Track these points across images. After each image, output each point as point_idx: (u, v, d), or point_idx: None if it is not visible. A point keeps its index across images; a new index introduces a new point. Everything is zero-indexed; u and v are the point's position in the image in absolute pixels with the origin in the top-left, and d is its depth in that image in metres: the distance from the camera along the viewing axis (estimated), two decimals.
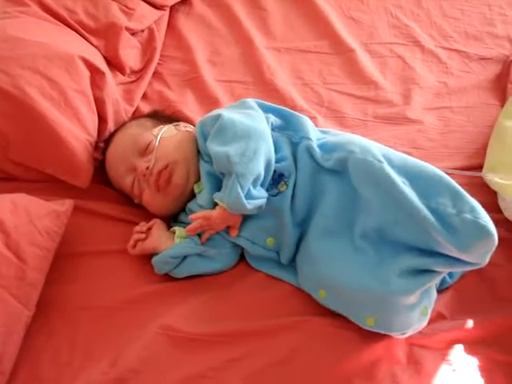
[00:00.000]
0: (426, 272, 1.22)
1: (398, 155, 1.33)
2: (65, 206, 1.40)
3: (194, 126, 1.58)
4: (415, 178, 1.25)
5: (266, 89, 1.86)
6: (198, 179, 1.45)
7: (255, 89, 1.87)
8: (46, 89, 1.49)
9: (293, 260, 1.40)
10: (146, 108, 1.77)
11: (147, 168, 1.42)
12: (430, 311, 1.28)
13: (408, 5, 2.18)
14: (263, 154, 1.32)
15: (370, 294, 1.21)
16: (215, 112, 1.44)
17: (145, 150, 1.45)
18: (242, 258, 1.45)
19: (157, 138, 1.45)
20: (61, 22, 1.76)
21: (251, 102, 1.47)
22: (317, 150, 1.37)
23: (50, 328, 1.31)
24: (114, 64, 1.79)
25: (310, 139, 1.39)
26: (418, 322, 1.26)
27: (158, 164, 1.42)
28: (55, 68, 1.53)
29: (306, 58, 1.99)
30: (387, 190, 1.24)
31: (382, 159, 1.27)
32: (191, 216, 1.36)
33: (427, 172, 1.27)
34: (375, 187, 1.26)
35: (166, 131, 1.48)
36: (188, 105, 1.79)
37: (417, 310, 1.24)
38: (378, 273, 1.22)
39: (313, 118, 1.68)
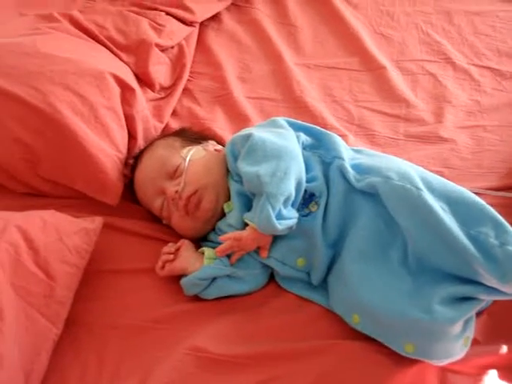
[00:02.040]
0: (468, 300, 1.20)
1: (438, 178, 1.31)
2: (94, 223, 1.39)
3: (223, 144, 1.59)
4: (456, 203, 1.24)
5: (296, 106, 1.85)
6: (228, 198, 1.44)
7: (285, 106, 1.86)
8: (76, 105, 1.49)
9: (324, 281, 1.37)
10: (175, 124, 1.76)
11: (176, 192, 1.40)
12: (470, 341, 1.25)
13: (439, 21, 2.16)
14: (294, 173, 1.31)
15: (411, 322, 1.19)
16: (245, 131, 1.43)
17: (174, 173, 1.44)
18: (271, 278, 1.43)
19: (185, 160, 1.44)
20: (91, 37, 1.77)
21: (281, 120, 1.46)
22: (350, 170, 1.35)
23: (77, 346, 1.30)
24: (144, 80, 1.78)
25: (342, 159, 1.38)
26: (460, 352, 1.24)
27: (187, 188, 1.40)
28: (86, 84, 1.53)
29: (335, 74, 1.97)
30: (425, 220, 1.22)
31: (420, 186, 1.25)
32: (221, 237, 1.35)
33: (468, 198, 1.26)
34: (412, 215, 1.24)
35: (194, 153, 1.47)
36: (217, 122, 1.78)
37: (460, 340, 1.22)
38: (419, 300, 1.20)
39: (343, 136, 1.67)
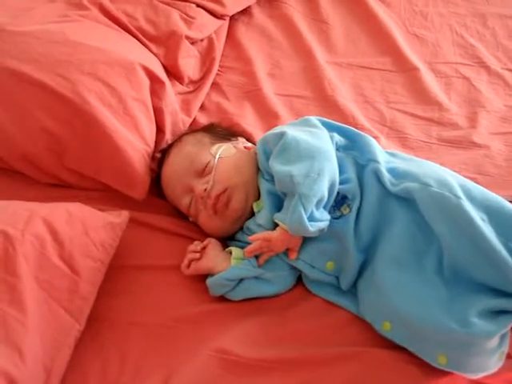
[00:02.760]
0: (505, 313, 1.17)
1: (476, 186, 1.29)
2: (120, 217, 1.37)
3: (252, 141, 1.57)
4: (494, 213, 1.22)
5: (327, 105, 1.82)
6: (258, 197, 1.41)
7: (315, 104, 1.83)
8: (105, 96, 1.47)
9: (353, 286, 1.35)
10: (203, 119, 1.74)
11: (205, 190, 1.38)
12: (505, 356, 1.22)
13: (473, 24, 2.13)
14: (327, 174, 1.28)
15: (446, 333, 1.16)
16: (278, 129, 1.40)
17: (202, 171, 1.41)
18: (299, 280, 1.41)
19: (215, 158, 1.41)
20: (121, 27, 1.75)
21: (315, 119, 1.43)
22: (385, 173, 1.32)
23: (99, 342, 1.28)
24: (173, 73, 1.76)
25: (377, 162, 1.35)
26: (494, 366, 1.20)
27: (216, 187, 1.38)
28: (115, 75, 1.51)
29: (368, 74, 1.95)
30: (464, 229, 1.20)
31: (459, 194, 1.22)
32: (250, 237, 1.32)
33: (507, 208, 1.23)
34: (450, 224, 1.22)
35: (224, 150, 1.44)
36: (246, 118, 1.76)
37: (495, 355, 1.19)
38: (454, 311, 1.17)
39: (375, 138, 1.58)
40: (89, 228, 1.30)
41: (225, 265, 1.35)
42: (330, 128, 1.42)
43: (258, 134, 1.64)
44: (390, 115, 1.82)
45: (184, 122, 1.68)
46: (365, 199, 1.32)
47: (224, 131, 1.56)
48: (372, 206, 1.32)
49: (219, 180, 1.39)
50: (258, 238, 1.31)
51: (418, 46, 2.03)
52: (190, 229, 1.48)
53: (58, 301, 1.20)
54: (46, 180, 1.54)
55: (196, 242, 1.40)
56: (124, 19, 1.76)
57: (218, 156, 1.42)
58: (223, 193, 1.38)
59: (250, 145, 1.52)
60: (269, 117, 1.76)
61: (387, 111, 1.83)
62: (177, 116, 1.65)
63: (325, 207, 1.28)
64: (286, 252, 1.34)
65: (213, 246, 1.39)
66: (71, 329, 1.21)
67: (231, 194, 1.39)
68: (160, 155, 1.55)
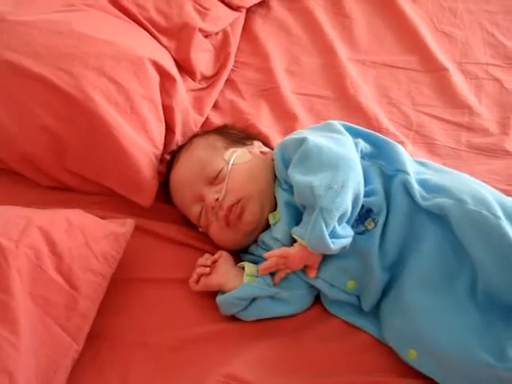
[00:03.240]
0: None
1: None
2: (125, 227, 1.30)
3: (269, 145, 1.50)
4: None
5: (349, 105, 1.75)
6: (274, 208, 1.34)
7: (336, 105, 1.76)
8: (111, 93, 1.41)
9: (375, 307, 1.28)
10: (216, 118, 1.68)
11: (217, 200, 1.32)
12: None
13: (504, 22, 2.03)
14: (352, 186, 1.20)
15: (480, 366, 1.08)
16: (298, 134, 1.32)
17: (214, 179, 1.35)
18: (316, 299, 1.33)
19: (228, 164, 1.35)
20: (130, 18, 1.68)
21: (338, 124, 1.35)
22: (415, 186, 1.24)
23: (99, 364, 1.21)
24: (185, 68, 1.70)
25: (406, 173, 1.27)
26: None
27: (228, 197, 1.31)
28: (123, 70, 1.45)
29: (392, 73, 1.87)
30: (503, 253, 1.13)
31: (499, 214, 1.15)
32: (265, 254, 1.25)
33: None
34: (488, 247, 1.14)
35: (238, 156, 1.37)
36: (262, 118, 1.69)
37: None
38: (490, 342, 1.10)
39: (400, 143, 1.50)
40: (90, 238, 1.24)
41: (237, 282, 1.29)
42: (355, 134, 1.35)
43: (275, 137, 1.59)
44: (417, 119, 1.74)
45: (196, 121, 1.62)
46: (392, 213, 1.25)
47: (238, 134, 1.50)
48: (399, 220, 1.24)
49: (232, 189, 1.32)
50: (274, 254, 1.24)
51: (446, 45, 1.95)
52: (199, 239, 1.41)
53: (54, 318, 1.14)
54: (46, 182, 1.49)
55: (206, 256, 1.34)
56: (133, 9, 1.69)
57: (231, 163, 1.35)
58: (236, 204, 1.31)
59: (266, 149, 1.45)
60: (286, 118, 1.69)
61: (413, 114, 1.75)
62: (188, 115, 1.58)
63: (348, 222, 1.21)
64: (304, 269, 1.27)
65: (224, 260, 1.33)
66: (69, 349, 1.14)
67: (245, 205, 1.32)
68: (169, 158, 1.49)
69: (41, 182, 1.48)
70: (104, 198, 1.47)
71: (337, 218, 1.16)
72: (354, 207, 1.20)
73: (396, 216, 1.24)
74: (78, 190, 1.48)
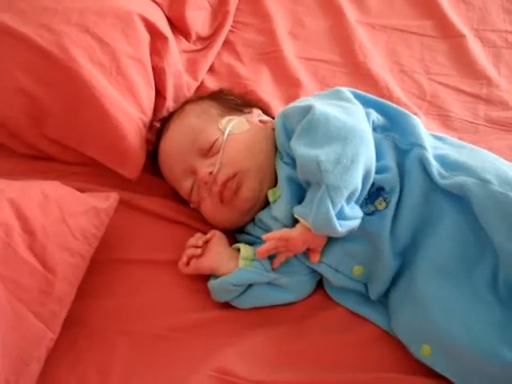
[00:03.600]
0: None
1: None
2: (108, 201, 1.22)
3: (270, 114, 1.42)
4: None
5: (357, 72, 1.68)
6: (274, 184, 1.25)
7: (344, 71, 1.69)
8: (95, 52, 1.33)
9: (384, 296, 1.21)
10: (212, 83, 1.60)
11: (210, 173, 1.23)
12: None
13: None
14: (363, 161, 1.10)
15: (502, 366, 1.01)
16: (303, 102, 1.23)
17: (208, 150, 1.26)
18: (318, 284, 1.26)
19: (224, 134, 1.26)
20: None
21: (347, 92, 1.26)
22: (433, 162, 1.16)
23: (77, 352, 1.14)
24: (178, 27, 1.62)
25: (423, 147, 1.18)
26: None
27: (223, 171, 1.23)
28: (109, 27, 1.37)
29: (405, 39, 1.80)
30: None
31: None
32: (264, 237, 1.15)
33: None
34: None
35: (235, 125, 1.29)
36: (262, 84, 1.61)
37: None
38: (511, 338, 1.03)
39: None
40: (67, 214, 1.15)
41: (231, 265, 1.21)
42: (366, 103, 1.25)
43: (276, 105, 1.51)
44: (431, 88, 1.66)
45: (189, 85, 1.55)
46: (405, 192, 1.16)
47: (236, 100, 1.41)
48: (414, 200, 1.16)
49: (228, 162, 1.24)
50: (273, 237, 1.14)
51: (462, 10, 1.88)
52: (190, 216, 1.33)
53: (26, 303, 1.06)
54: (23, 150, 1.41)
55: (197, 235, 1.25)
56: None
57: (227, 132, 1.27)
58: (232, 178, 1.23)
59: (266, 118, 1.37)
60: (289, 84, 1.62)
61: (427, 83, 1.68)
62: (181, 78, 1.51)
63: (356, 201, 1.13)
64: (306, 253, 1.19)
65: (217, 240, 1.25)
66: (42, 338, 1.06)
67: (242, 180, 1.23)
68: (159, 126, 1.41)
69: (17, 150, 1.40)
70: (86, 168, 1.39)
71: (345, 196, 1.07)
72: (364, 185, 1.12)
73: (410, 195, 1.16)
74: (58, 159, 1.40)
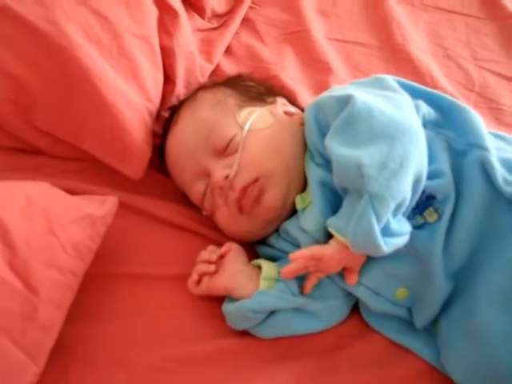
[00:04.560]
0: None
1: None
2: (105, 206, 1.09)
3: (297, 104, 1.29)
4: None
5: (396, 57, 1.57)
6: (303, 189, 1.13)
7: (380, 55, 1.58)
8: (92, 28, 1.22)
9: (432, 324, 1.08)
10: (228, 67, 1.50)
11: (226, 177, 1.11)
12: None
13: None
14: (413, 165, 0.96)
15: None
16: (340, 91, 1.08)
17: (224, 149, 1.14)
18: (353, 308, 1.14)
19: (243, 130, 1.13)
20: None
21: (392, 80, 1.11)
22: (497, 167, 1.01)
23: None
24: (192, 2, 1.54)
25: (485, 149, 1.03)
26: None
27: (242, 174, 1.10)
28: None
29: (449, 19, 1.70)
30: None
31: None
32: (292, 256, 1.01)
33: None
34: None
35: (257, 119, 1.15)
36: (287, 68, 1.51)
37: None
38: None
39: None
40: (56, 223, 1.03)
41: (250, 286, 1.08)
42: (413, 93, 1.10)
43: (303, 93, 1.40)
44: (479, 77, 1.56)
45: (203, 69, 1.46)
46: (462, 202, 1.03)
47: (257, 87, 1.29)
48: (473, 212, 1.03)
49: (248, 164, 1.11)
50: (302, 256, 1.00)
51: None
52: (203, 222, 1.21)
53: (5, 332, 0.95)
54: (8, 143, 1.30)
55: (211, 248, 1.14)
56: None
57: (247, 127, 1.13)
58: (253, 183, 1.10)
59: (292, 109, 1.23)
60: (317, 69, 1.52)
61: (475, 71, 1.57)
62: (193, 61, 1.42)
63: (404, 213, 0.99)
64: (341, 273, 1.07)
65: (234, 255, 1.12)
66: (25, 372, 0.95)
67: (265, 186, 1.10)
68: (167, 116, 1.29)
69: (3, 143, 1.29)
70: (81, 164, 1.28)
71: (392, 208, 0.94)
72: (413, 194, 0.99)
73: (468, 206, 1.02)
74: (50, 153, 1.30)
